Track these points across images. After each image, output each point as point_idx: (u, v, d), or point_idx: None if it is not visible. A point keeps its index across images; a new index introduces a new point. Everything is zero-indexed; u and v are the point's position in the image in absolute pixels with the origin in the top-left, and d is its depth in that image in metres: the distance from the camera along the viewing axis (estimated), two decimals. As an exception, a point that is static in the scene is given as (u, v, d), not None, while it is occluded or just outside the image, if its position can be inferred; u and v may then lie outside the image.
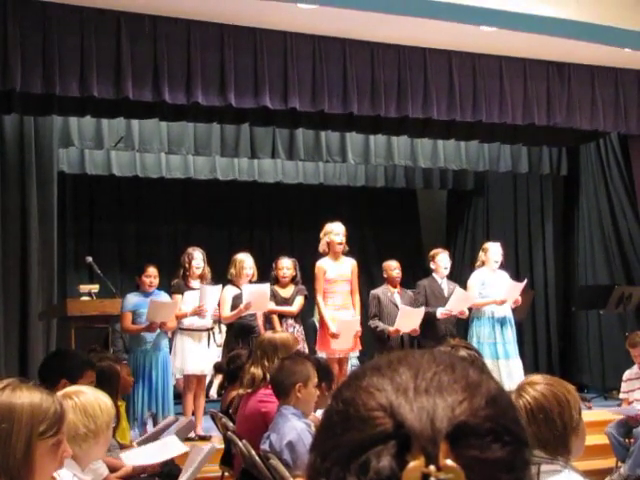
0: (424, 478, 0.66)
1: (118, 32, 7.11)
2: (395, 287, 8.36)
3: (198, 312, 7.37)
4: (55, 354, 5.12)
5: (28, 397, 2.15)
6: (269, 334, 5.44)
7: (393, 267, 8.37)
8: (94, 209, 11.02)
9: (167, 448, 4.66)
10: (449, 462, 0.67)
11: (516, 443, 0.72)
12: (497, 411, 0.72)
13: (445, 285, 8.46)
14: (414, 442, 0.68)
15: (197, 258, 7.65)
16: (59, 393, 3.07)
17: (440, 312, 8.15)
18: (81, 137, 8.74)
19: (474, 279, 8.52)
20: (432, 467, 0.67)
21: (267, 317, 7.87)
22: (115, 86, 7.12)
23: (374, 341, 8.29)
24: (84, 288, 7.78)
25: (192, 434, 7.05)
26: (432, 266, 8.51)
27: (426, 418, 0.69)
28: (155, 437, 5.14)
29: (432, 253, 8.63)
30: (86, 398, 3.13)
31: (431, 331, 8.06)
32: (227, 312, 7.62)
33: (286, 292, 7.97)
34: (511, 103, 8.58)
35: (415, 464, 0.67)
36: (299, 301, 7.95)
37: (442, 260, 8.47)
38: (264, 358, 4.86)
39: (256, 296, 7.57)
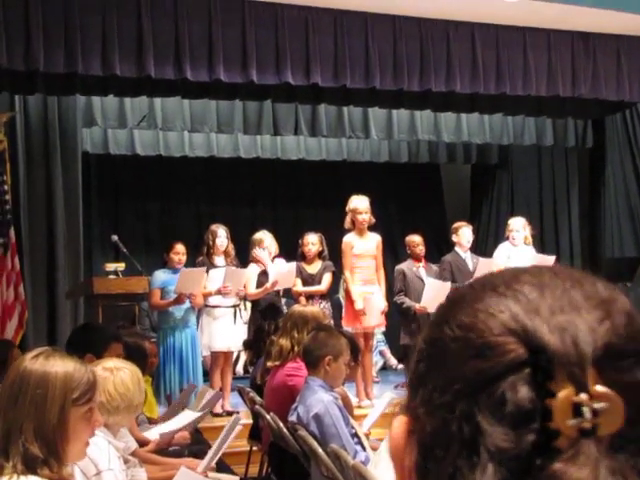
0: (575, 408, 0.60)
1: (139, 9, 7.11)
2: (419, 262, 8.32)
3: (222, 293, 7.39)
4: (81, 328, 5.16)
5: (61, 365, 2.19)
6: (299, 307, 5.44)
7: (416, 243, 8.33)
8: (118, 189, 11.08)
9: (183, 418, 4.73)
10: (605, 389, 0.61)
11: None
12: (637, 329, 0.66)
13: (469, 259, 8.41)
14: (558, 368, 0.61)
15: (221, 235, 7.66)
16: (101, 365, 3.21)
17: (466, 287, 8.09)
18: (104, 116, 8.77)
19: (499, 252, 8.50)
20: (584, 395, 0.60)
21: (295, 299, 7.86)
22: (137, 64, 7.13)
23: (400, 317, 8.27)
24: (110, 266, 7.82)
25: (220, 410, 7.10)
26: (454, 239, 8.46)
27: (569, 340, 0.62)
28: (177, 409, 5.18)
29: (455, 226, 8.58)
30: (125, 374, 3.28)
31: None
32: (252, 289, 7.63)
33: (313, 268, 7.94)
34: (535, 74, 8.49)
35: (566, 393, 0.60)
36: (327, 279, 7.90)
37: (465, 233, 8.43)
38: (294, 330, 4.86)
39: (283, 275, 7.59)
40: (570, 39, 8.66)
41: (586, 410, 0.60)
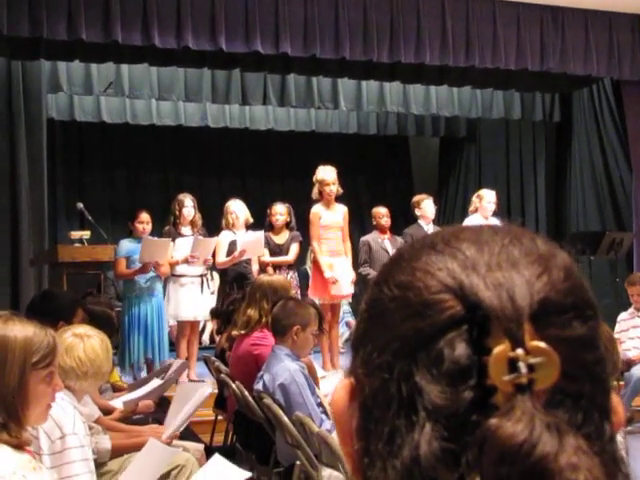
0: (511, 364, 0.59)
1: (106, -26, 7.00)
2: (385, 234, 8.34)
3: (190, 261, 7.36)
4: (44, 294, 5.11)
5: (21, 329, 2.17)
6: (267, 277, 5.43)
7: (382, 215, 8.33)
8: (84, 156, 10.97)
9: (148, 387, 4.73)
10: (540, 344, 0.60)
11: (595, 318, 0.65)
12: (575, 283, 0.65)
13: (432, 231, 8.42)
14: (494, 324, 0.60)
15: (187, 205, 7.62)
16: (71, 331, 3.20)
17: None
18: (70, 82, 8.65)
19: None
20: (520, 350, 0.59)
21: (262, 269, 7.85)
22: (104, 29, 7.03)
23: (364, 288, 8.28)
24: (75, 234, 7.73)
25: (185, 379, 7.10)
26: (417, 213, 8.47)
27: (506, 295, 0.61)
28: (148, 380, 5.16)
29: (416, 199, 8.56)
30: (95, 341, 3.28)
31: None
32: (222, 258, 7.61)
33: (280, 238, 7.93)
34: (504, 48, 8.50)
35: (501, 348, 0.59)
36: (295, 249, 7.91)
37: (428, 206, 8.44)
38: (263, 300, 4.85)
39: (251, 244, 7.57)
40: (539, 13, 8.67)
41: (521, 365, 0.59)
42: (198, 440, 4.78)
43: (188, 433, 4.74)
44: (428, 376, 0.61)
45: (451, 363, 0.61)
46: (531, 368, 0.59)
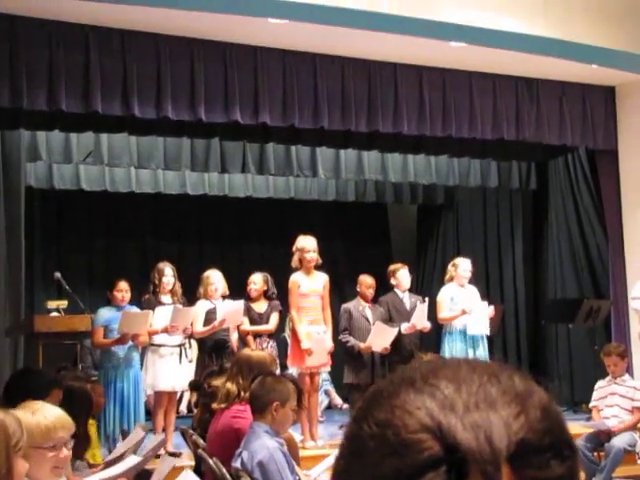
0: None
1: (87, 46, 7.06)
2: (367, 302, 8.37)
3: (170, 331, 7.32)
4: (21, 373, 5.05)
5: None
6: (247, 351, 5.43)
7: (368, 285, 8.40)
8: (62, 224, 10.90)
9: (125, 464, 4.63)
10: None
11: (573, 457, 0.65)
12: (552, 423, 0.65)
13: (407, 299, 8.50)
14: (472, 466, 0.60)
15: (167, 274, 7.62)
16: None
17: (404, 327, 8.19)
18: (49, 151, 8.63)
19: (443, 294, 8.56)
20: None
21: (242, 337, 7.85)
22: (84, 100, 7.07)
23: (344, 356, 8.26)
24: (52, 304, 7.69)
25: (162, 451, 6.98)
26: (393, 282, 8.54)
27: (483, 437, 0.61)
28: (122, 453, 5.06)
29: (392, 269, 8.64)
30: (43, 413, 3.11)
31: (397, 346, 8.09)
32: (200, 327, 7.57)
33: (259, 307, 7.98)
34: (480, 118, 8.63)
35: None
36: (275, 319, 7.96)
37: (403, 275, 8.54)
38: (239, 375, 4.82)
39: (231, 314, 7.56)
40: (514, 84, 8.83)
41: None
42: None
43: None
44: None
45: None
46: None
